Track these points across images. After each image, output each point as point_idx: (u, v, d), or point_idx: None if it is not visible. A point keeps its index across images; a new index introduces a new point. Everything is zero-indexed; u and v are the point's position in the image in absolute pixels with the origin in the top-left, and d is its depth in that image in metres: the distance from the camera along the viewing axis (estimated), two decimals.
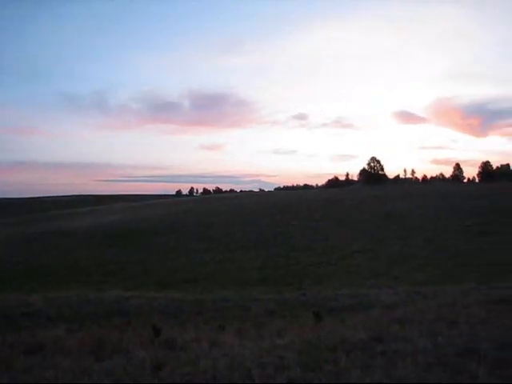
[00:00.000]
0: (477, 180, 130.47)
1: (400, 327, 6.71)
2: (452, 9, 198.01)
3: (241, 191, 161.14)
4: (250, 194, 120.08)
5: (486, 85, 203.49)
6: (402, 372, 4.58)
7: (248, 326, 9.51)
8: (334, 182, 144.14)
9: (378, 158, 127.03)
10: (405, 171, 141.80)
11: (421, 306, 8.97)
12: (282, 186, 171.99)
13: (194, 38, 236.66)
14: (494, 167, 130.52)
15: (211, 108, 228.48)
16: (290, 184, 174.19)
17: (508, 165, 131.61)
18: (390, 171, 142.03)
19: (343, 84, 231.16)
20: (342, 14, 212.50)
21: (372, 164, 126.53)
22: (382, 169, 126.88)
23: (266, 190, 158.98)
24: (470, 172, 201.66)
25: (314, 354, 5.40)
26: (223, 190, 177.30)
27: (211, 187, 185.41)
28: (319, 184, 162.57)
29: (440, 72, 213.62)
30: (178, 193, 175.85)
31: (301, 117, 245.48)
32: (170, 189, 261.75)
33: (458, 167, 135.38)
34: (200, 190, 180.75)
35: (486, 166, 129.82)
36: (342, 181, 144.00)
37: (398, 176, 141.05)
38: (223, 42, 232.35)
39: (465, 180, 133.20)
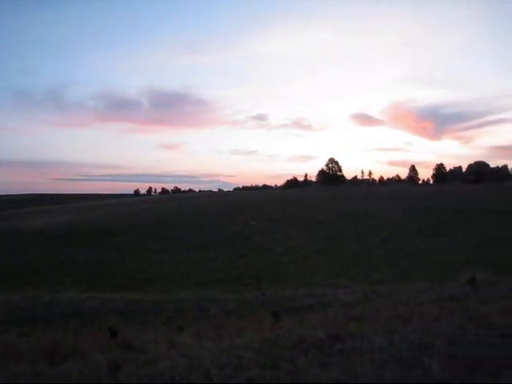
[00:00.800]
0: (431, 181, 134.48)
1: (357, 325, 6.82)
2: (409, 15, 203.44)
3: (200, 191, 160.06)
4: (209, 193, 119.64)
5: (440, 90, 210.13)
6: (358, 369, 4.66)
7: (207, 326, 9.46)
8: (292, 183, 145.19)
9: (336, 159, 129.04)
10: (362, 172, 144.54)
11: (377, 305, 9.16)
12: (241, 187, 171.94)
13: (155, 36, 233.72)
14: (447, 169, 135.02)
15: (171, 107, 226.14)
16: (249, 184, 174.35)
17: (460, 167, 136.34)
18: (348, 172, 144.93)
19: (303, 85, 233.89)
20: (302, 16, 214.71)
21: (330, 165, 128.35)
22: (340, 170, 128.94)
23: (225, 190, 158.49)
24: (425, 174, 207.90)
25: (272, 353, 5.42)
26: (182, 189, 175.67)
27: (170, 187, 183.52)
28: (278, 184, 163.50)
29: (396, 76, 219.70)
30: (136, 192, 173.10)
31: (260, 117, 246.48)
32: (128, 188, 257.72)
33: (413, 169, 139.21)
34: (158, 190, 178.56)
35: (439, 168, 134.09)
36: (300, 181, 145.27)
37: (356, 177, 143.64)
38: (184, 41, 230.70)
39: (420, 181, 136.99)
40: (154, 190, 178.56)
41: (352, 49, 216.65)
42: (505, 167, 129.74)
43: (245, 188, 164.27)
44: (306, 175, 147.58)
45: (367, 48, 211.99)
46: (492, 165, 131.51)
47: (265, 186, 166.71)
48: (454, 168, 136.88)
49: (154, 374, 4.80)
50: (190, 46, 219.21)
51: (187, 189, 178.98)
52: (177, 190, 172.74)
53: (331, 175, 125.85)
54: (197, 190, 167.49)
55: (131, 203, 72.28)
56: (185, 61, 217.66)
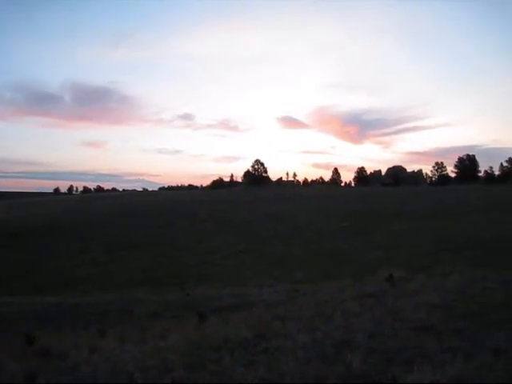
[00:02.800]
0: (353, 184, 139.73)
1: (281, 324, 6.94)
2: (336, 22, 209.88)
3: (123, 190, 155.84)
4: (133, 193, 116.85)
5: (363, 96, 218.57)
6: (283, 367, 4.74)
7: (130, 329, 9.22)
8: (218, 183, 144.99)
9: (261, 161, 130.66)
10: (287, 174, 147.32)
11: (301, 304, 9.36)
12: (166, 186, 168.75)
13: (80, 28, 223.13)
14: (368, 173, 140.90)
15: (94, 103, 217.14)
16: (174, 184, 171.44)
17: (380, 171, 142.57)
18: (273, 173, 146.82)
19: (230, 86, 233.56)
20: (233, 18, 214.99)
21: (256, 166, 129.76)
22: (266, 171, 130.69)
23: (150, 189, 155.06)
24: (347, 176, 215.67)
25: (198, 354, 5.39)
26: (105, 188, 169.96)
27: (92, 186, 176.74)
28: (204, 185, 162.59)
29: (323, 81, 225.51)
30: (56, 191, 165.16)
31: (187, 117, 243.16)
32: (47, 186, 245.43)
33: (336, 171, 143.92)
34: (80, 189, 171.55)
35: (360, 171, 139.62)
36: (226, 182, 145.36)
37: (281, 178, 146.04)
38: (110, 35, 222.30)
39: (342, 184, 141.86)
40: (75, 189, 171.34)
41: (281, 52, 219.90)
42: (420, 171, 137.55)
43: (170, 188, 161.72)
44: (231, 176, 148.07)
45: (295, 52, 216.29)
46: (408, 169, 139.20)
47: (190, 186, 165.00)
48: (374, 171, 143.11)
49: (75, 381, 4.62)
50: (117, 40, 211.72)
51: (110, 188, 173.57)
52: (99, 189, 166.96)
53: (257, 176, 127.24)
54: (120, 190, 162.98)
55: (52, 202, 69.08)
56: (110, 56, 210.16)
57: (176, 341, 6.22)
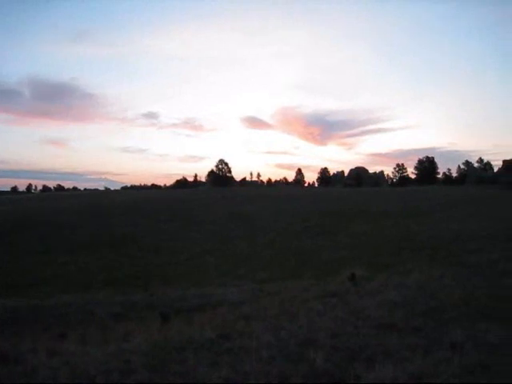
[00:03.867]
0: (316, 184, 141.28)
1: (246, 324, 6.95)
2: (303, 24, 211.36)
3: (85, 189, 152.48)
4: (95, 192, 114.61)
5: (327, 98, 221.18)
6: (247, 367, 4.76)
7: (92, 331, 9.05)
8: (182, 183, 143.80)
9: (226, 161, 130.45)
10: (251, 174, 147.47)
11: (265, 303, 9.40)
12: (129, 186, 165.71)
13: (41, 22, 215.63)
14: (331, 173, 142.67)
15: (56, 99, 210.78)
16: (137, 183, 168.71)
17: (343, 171, 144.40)
18: (237, 174, 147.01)
19: (195, 86, 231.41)
20: (199, 18, 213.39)
21: (220, 166, 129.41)
22: (230, 171, 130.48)
23: (113, 188, 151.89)
24: (311, 177, 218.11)
25: (161, 355, 5.34)
26: (65, 187, 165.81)
27: (52, 184, 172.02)
28: (167, 184, 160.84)
29: (288, 82, 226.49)
30: (14, 189, 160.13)
31: (151, 115, 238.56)
32: (5, 184, 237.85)
33: (299, 172, 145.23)
34: (39, 187, 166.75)
35: (324, 172, 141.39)
36: (190, 182, 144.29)
37: (245, 179, 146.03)
38: (74, 30, 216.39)
39: (305, 184, 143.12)
40: (34, 187, 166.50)
41: (246, 54, 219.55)
42: (381, 173, 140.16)
43: (133, 187, 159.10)
44: (195, 176, 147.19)
45: (261, 54, 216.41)
46: (370, 170, 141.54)
47: (154, 186, 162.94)
48: (337, 172, 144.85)
49: None
50: (80, 35, 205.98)
51: (71, 187, 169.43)
52: (60, 188, 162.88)
53: (221, 176, 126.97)
54: (82, 189, 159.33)
55: (11, 201, 67.06)
56: (73, 51, 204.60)
57: (139, 342, 6.14)
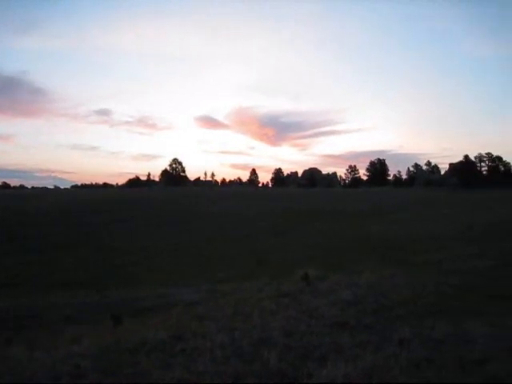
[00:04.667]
0: (270, 185, 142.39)
1: (200, 324, 6.93)
2: (260, 26, 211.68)
3: (33, 187, 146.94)
4: (45, 191, 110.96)
5: (282, 99, 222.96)
6: (201, 367, 4.75)
7: (41, 335, 8.77)
8: (135, 182, 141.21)
9: (179, 160, 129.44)
10: (205, 174, 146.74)
11: (220, 303, 9.39)
12: (79, 184, 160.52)
13: None
14: (285, 174, 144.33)
15: (3, 93, 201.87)
16: (88, 182, 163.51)
17: (296, 172, 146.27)
18: (191, 173, 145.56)
19: (150, 83, 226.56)
20: (156, 14, 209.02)
21: (174, 165, 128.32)
22: (184, 170, 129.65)
23: (62, 187, 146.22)
24: (265, 177, 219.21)
25: (113, 358, 5.26)
26: (12, 185, 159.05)
27: None
28: (120, 183, 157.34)
29: (243, 82, 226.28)
30: None
31: (104, 112, 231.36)
32: None
33: (254, 172, 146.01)
34: None
35: (278, 172, 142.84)
36: (143, 181, 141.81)
37: (199, 178, 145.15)
38: (22, 20, 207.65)
39: (260, 184, 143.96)
40: None
41: (203, 52, 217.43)
42: (334, 174, 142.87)
43: (84, 186, 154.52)
44: (149, 174, 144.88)
45: (217, 53, 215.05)
46: (324, 171, 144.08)
47: (106, 185, 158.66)
48: (291, 173, 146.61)
49: None
50: (29, 26, 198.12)
51: (18, 185, 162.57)
52: (5, 186, 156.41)
53: (175, 175, 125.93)
54: (29, 187, 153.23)
55: None
56: (21, 43, 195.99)
57: (89, 346, 6.00)
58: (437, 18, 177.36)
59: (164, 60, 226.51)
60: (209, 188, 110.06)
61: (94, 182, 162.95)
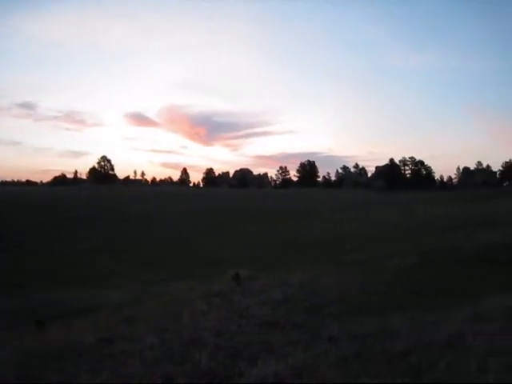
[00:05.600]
0: (201, 185, 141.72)
1: (129, 326, 6.78)
2: (195, 23, 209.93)
3: None
4: None
5: (215, 98, 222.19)
6: (130, 370, 4.65)
7: None
8: (60, 180, 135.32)
9: (108, 158, 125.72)
10: (135, 172, 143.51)
11: (150, 304, 9.23)
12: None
13: None
14: (217, 174, 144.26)
15: None
16: (9, 179, 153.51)
17: (228, 173, 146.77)
18: (120, 171, 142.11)
19: (78, 77, 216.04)
20: (86, 5, 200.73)
21: (102, 163, 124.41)
22: (113, 169, 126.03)
23: None
24: (196, 177, 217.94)
25: (35, 365, 5.02)
26: None
27: None
28: (44, 181, 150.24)
29: (176, 80, 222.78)
30: None
31: (27, 106, 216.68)
32: None
33: (185, 172, 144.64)
34: None
35: (209, 172, 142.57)
36: (69, 179, 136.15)
37: (128, 177, 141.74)
38: None
39: (191, 184, 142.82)
40: None
41: (135, 47, 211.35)
42: (265, 175, 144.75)
43: (5, 183, 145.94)
44: (75, 172, 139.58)
45: (150, 48, 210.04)
46: (255, 172, 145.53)
47: (29, 182, 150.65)
48: (223, 173, 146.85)
49: None
50: None
51: None
52: None
53: (103, 173, 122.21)
54: None
55: None
56: None
57: (10, 353, 5.70)
58: (368, 26, 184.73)
59: (94, 54, 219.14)
60: (138, 187, 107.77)
61: (15, 179, 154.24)
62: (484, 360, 4.30)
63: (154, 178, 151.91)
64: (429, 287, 10.61)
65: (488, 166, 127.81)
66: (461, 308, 7.14)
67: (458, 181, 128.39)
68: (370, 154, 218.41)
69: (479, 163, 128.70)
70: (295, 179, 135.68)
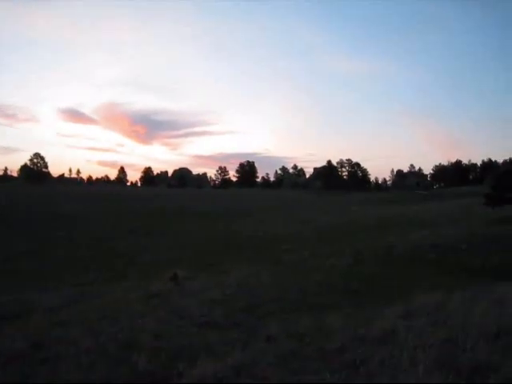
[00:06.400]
0: (139, 184, 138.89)
1: (64, 330, 6.55)
2: (137, 20, 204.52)
3: None
4: None
5: (155, 97, 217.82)
6: (65, 375, 4.50)
7: None
8: None
9: (42, 155, 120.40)
10: (70, 170, 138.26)
11: (86, 307, 8.96)
12: None
13: None
14: (155, 173, 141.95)
15: None
16: None
17: (167, 172, 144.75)
18: (55, 169, 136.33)
19: (10, 69, 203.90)
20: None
21: (35, 160, 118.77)
22: (46, 166, 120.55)
23: None
24: (134, 176, 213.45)
25: None
26: None
27: None
28: None
29: (114, 77, 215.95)
30: None
31: None
32: None
33: (122, 170, 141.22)
34: None
35: (147, 171, 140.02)
36: None
37: (63, 175, 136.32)
38: None
39: (128, 183, 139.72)
40: None
41: (71, 39, 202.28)
42: (204, 174, 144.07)
43: None
44: (5, 169, 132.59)
45: (88, 42, 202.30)
46: (194, 172, 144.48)
47: None
48: (161, 172, 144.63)
49: None
50: None
51: None
52: None
53: (36, 171, 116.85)
54: None
55: None
56: None
57: None
58: (311, 29, 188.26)
59: (27, 45, 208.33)
60: (75, 186, 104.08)
61: None
62: (415, 353, 4.52)
63: (90, 177, 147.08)
64: (363, 286, 11.00)
65: (420, 169, 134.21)
66: (393, 305, 7.45)
67: (392, 183, 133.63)
68: (309, 156, 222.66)
69: (412, 166, 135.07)
70: (235, 179, 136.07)
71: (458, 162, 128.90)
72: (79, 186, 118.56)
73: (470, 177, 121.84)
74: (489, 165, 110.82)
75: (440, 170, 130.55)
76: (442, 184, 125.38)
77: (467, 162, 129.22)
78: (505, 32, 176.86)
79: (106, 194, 63.86)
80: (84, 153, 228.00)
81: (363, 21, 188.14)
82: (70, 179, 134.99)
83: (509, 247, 16.80)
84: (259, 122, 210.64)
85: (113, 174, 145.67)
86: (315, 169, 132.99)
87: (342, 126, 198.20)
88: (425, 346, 4.72)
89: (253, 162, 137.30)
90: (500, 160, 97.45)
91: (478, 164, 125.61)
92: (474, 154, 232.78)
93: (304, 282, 10.79)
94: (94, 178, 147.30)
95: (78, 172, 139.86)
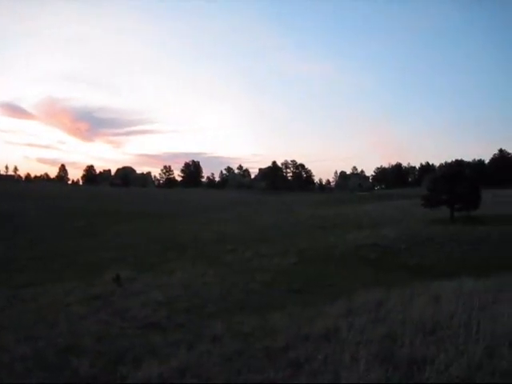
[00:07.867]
0: (81, 182, 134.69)
1: None
2: (81, 14, 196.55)
3: None
4: None
5: (98, 94, 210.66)
6: None
7: None
8: None
9: None
10: (7, 168, 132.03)
11: (20, 310, 8.59)
12: None
13: None
14: (98, 171, 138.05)
15: None
16: None
17: (110, 170, 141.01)
18: None
19: None
20: None
21: None
22: None
23: None
24: (75, 174, 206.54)
25: None
26: None
27: None
28: None
29: (56, 72, 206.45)
30: None
31: None
32: None
33: (63, 168, 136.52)
34: None
35: (89, 169, 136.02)
36: None
37: None
38: None
39: (69, 181, 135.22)
40: None
41: (8, 29, 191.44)
42: (149, 173, 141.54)
43: None
44: None
45: (27, 33, 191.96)
46: (138, 171, 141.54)
47: None
48: (104, 171, 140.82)
49: None
50: None
51: None
52: None
53: None
54: None
55: None
56: None
57: None
58: (256, 30, 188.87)
59: None
60: (10, 183, 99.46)
61: None
62: (356, 349, 4.64)
63: (29, 175, 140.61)
64: (306, 285, 11.19)
65: (362, 171, 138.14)
66: (336, 303, 7.63)
67: (336, 184, 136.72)
68: (254, 156, 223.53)
69: (354, 168, 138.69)
70: (179, 179, 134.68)
71: (398, 165, 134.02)
72: (17, 183, 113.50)
73: (409, 179, 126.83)
74: (426, 168, 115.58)
75: (381, 173, 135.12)
76: (383, 186, 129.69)
77: (406, 165, 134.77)
78: (440, 41, 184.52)
79: (46, 192, 61.49)
80: (22, 149, 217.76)
81: (313, 22, 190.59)
82: (7, 177, 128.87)
83: (445, 247, 17.62)
84: (205, 121, 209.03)
85: (53, 172, 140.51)
86: (260, 169, 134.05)
87: (287, 127, 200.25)
88: (366, 343, 4.87)
89: (198, 162, 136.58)
90: (437, 163, 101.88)
91: (417, 167, 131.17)
92: (413, 157, 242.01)
93: (249, 282, 10.84)
94: (32, 175, 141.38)
95: (16, 169, 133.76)
